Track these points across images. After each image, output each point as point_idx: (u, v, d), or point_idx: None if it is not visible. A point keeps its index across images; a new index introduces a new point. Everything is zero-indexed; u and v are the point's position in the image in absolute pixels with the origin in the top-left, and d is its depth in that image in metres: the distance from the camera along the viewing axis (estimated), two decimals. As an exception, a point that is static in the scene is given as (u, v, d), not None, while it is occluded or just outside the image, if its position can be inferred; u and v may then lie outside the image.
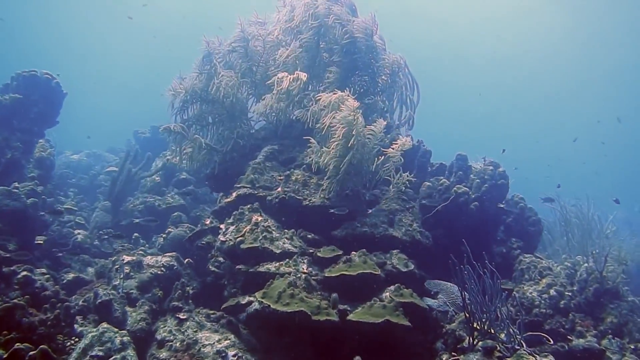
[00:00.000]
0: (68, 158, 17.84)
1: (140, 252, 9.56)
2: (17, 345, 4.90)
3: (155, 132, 17.73)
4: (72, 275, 7.96)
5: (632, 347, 6.28)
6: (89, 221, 11.39)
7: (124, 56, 59.07)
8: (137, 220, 9.87)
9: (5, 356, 4.70)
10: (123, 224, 11.30)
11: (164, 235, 10.10)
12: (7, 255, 7.17)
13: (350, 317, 5.95)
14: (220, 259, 7.61)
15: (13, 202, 8.12)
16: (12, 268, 6.70)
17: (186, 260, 7.99)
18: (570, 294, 6.93)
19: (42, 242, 8.61)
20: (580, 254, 10.86)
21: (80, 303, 6.89)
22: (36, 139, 10.29)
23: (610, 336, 6.42)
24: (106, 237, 10.04)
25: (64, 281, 7.68)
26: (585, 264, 7.30)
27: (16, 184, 8.62)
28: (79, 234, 9.83)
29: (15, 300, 5.80)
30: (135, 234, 10.24)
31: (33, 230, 8.48)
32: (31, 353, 4.76)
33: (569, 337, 6.46)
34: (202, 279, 7.80)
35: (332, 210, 7.22)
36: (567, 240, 11.67)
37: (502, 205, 8.48)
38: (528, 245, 8.29)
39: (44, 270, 7.35)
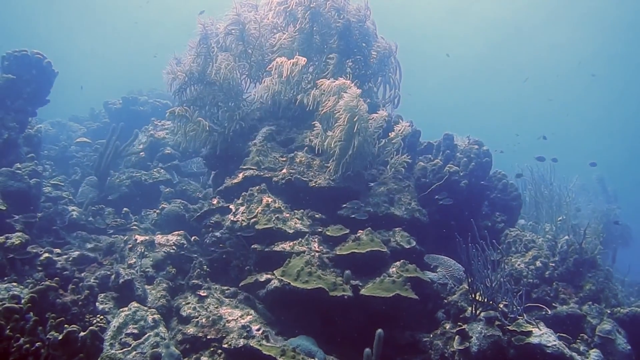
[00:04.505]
0: (33, 127, 17.59)
1: (133, 227, 9.88)
2: (67, 327, 5.15)
3: (126, 103, 17.65)
4: (77, 253, 8.17)
5: (609, 311, 7.03)
6: (75, 196, 11.50)
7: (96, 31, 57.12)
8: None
9: (60, 338, 4.94)
10: (110, 199, 11.47)
11: (157, 211, 10.34)
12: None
13: (363, 291, 6.46)
14: (218, 234, 7.97)
15: (17, 182, 8.27)
16: (35, 250, 6.94)
17: (193, 238, 8.33)
18: (553, 264, 7.62)
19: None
20: (548, 221, 11.78)
21: (92, 281, 7.20)
22: (30, 118, 10.34)
23: (590, 302, 7.15)
24: None
25: (70, 259, 7.90)
26: (566, 237, 8.00)
27: (18, 165, 8.73)
28: (73, 210, 9.97)
29: (47, 282, 6.05)
30: (125, 209, 10.47)
31: (35, 210, 8.64)
32: (81, 334, 5.02)
33: (553, 304, 7.17)
34: (208, 257, 8.17)
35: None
36: (536, 209, 12.50)
37: (486, 182, 9.10)
38: (510, 218, 8.95)
39: (58, 250, 7.59)
